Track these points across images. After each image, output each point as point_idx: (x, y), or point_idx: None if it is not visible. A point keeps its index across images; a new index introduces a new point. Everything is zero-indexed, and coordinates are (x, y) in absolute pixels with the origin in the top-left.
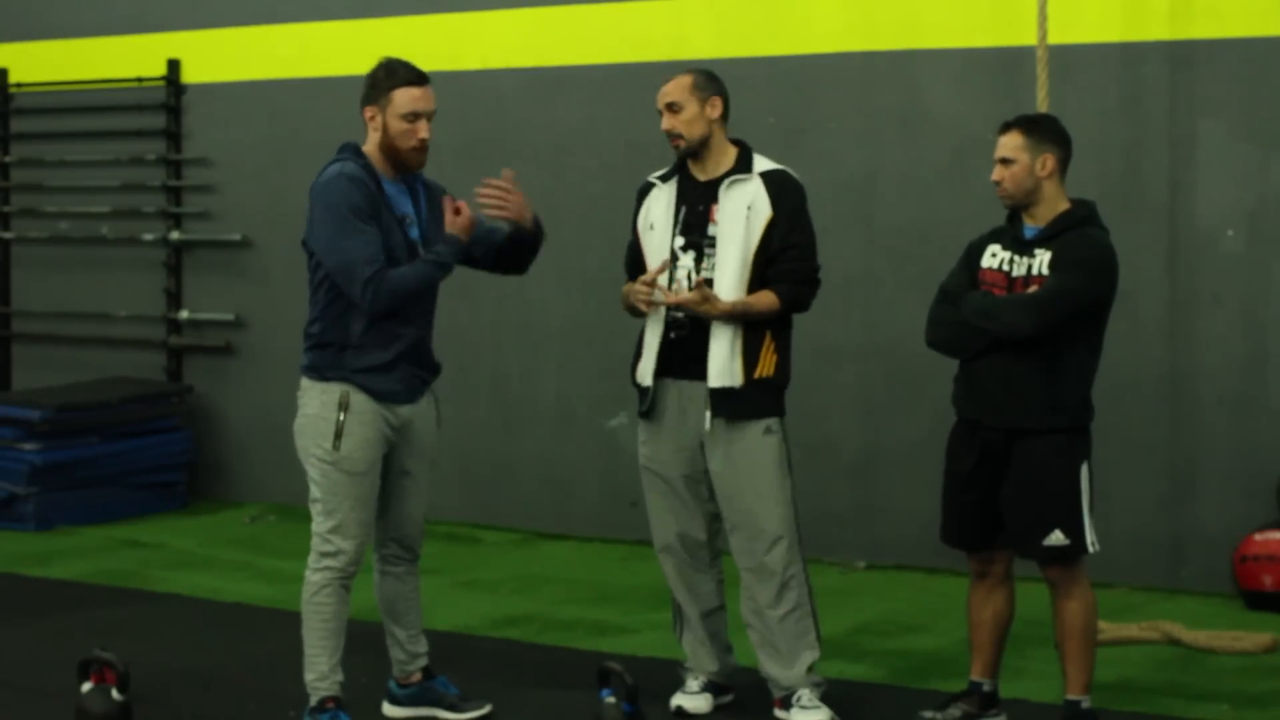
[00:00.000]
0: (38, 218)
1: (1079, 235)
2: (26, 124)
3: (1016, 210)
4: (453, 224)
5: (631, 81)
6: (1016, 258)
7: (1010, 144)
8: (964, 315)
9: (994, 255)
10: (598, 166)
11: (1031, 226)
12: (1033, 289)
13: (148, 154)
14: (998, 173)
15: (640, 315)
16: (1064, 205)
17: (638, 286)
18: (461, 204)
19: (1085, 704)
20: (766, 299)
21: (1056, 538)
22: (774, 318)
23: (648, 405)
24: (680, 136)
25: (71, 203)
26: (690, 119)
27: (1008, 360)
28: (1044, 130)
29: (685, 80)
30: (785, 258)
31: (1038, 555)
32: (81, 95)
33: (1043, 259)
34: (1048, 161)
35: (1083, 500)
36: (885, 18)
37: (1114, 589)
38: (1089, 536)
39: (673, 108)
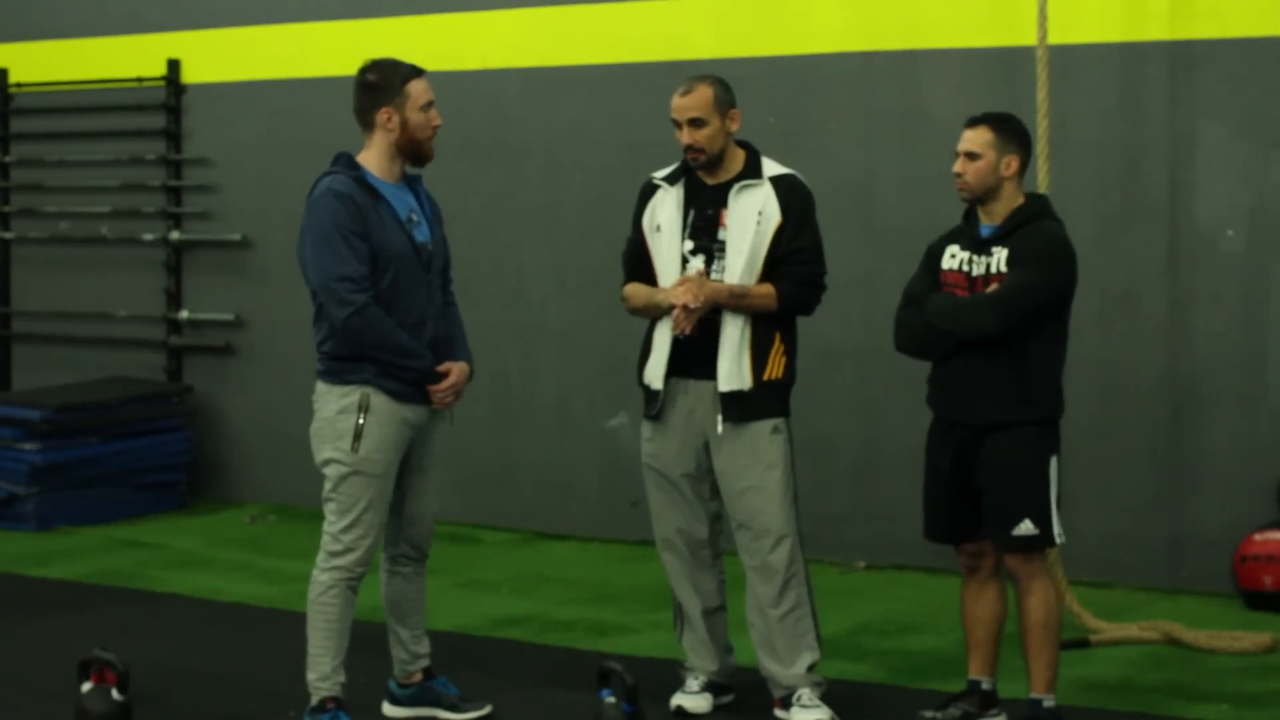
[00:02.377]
0: (38, 218)
1: (1034, 230)
2: (26, 124)
3: (972, 207)
4: (440, 401)
5: (631, 81)
6: (975, 257)
7: (978, 139)
8: (928, 318)
9: (953, 256)
10: (597, 166)
11: (988, 225)
12: (993, 287)
13: (148, 154)
14: (960, 165)
15: (647, 316)
16: (1019, 202)
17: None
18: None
19: (1048, 703)
20: (765, 289)
21: (1026, 527)
22: (771, 312)
23: (658, 409)
24: (701, 151)
25: (71, 203)
26: (713, 134)
27: (976, 358)
28: (1012, 131)
29: (707, 94)
30: (791, 260)
31: (1007, 545)
32: (81, 95)
33: (1000, 256)
34: (1012, 163)
35: (1051, 492)
36: (886, 18)
37: (1114, 589)
38: (1056, 529)
39: (697, 123)
